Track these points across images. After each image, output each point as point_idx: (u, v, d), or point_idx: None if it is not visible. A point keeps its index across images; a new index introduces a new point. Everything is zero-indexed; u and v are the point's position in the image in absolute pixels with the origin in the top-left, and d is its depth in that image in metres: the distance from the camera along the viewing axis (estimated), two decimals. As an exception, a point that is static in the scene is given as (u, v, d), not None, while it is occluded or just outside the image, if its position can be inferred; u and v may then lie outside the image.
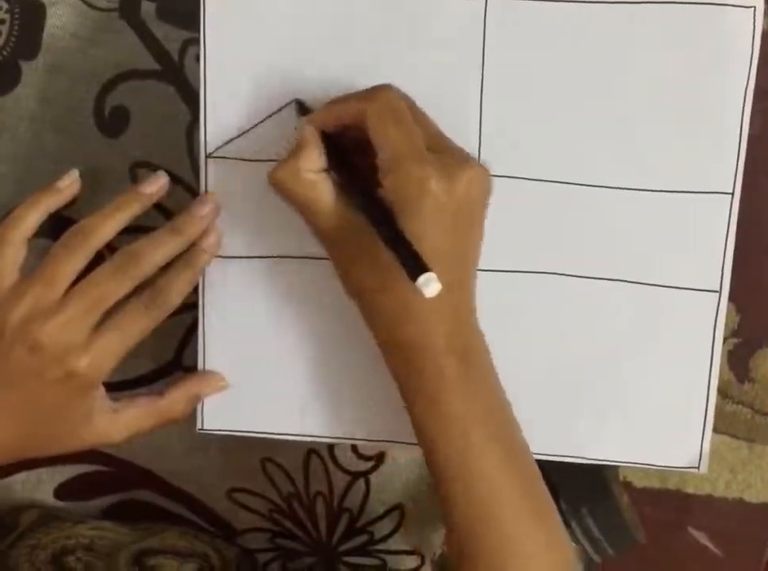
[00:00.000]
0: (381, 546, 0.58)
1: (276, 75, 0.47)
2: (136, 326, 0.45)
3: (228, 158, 0.47)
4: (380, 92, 0.42)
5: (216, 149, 0.47)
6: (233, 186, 0.48)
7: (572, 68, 0.46)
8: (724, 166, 0.46)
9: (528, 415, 0.45)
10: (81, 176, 0.49)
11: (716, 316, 0.48)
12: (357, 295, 0.45)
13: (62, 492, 0.57)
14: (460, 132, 0.45)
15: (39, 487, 0.56)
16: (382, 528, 0.57)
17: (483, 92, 0.46)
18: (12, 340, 0.43)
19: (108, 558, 0.51)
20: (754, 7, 0.44)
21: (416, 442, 0.45)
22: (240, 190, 0.48)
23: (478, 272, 0.46)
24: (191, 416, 0.50)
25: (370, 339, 0.45)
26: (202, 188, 0.48)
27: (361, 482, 0.56)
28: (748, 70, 0.45)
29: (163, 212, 0.51)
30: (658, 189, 0.46)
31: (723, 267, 0.47)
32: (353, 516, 0.57)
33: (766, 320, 0.52)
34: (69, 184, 0.48)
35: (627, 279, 0.47)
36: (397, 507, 0.57)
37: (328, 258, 0.46)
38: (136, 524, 0.55)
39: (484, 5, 0.45)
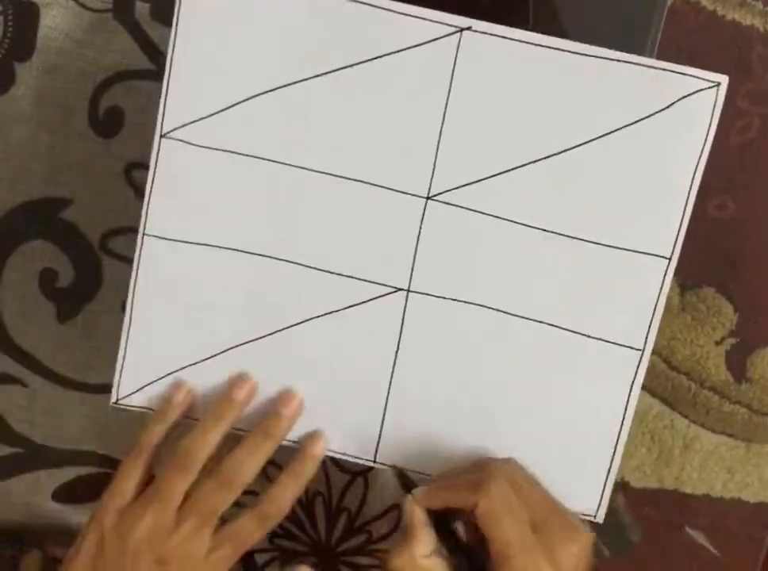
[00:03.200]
0: (380, 546, 0.58)
1: (241, 68, 0.46)
2: (251, 538, 0.47)
3: (183, 141, 0.47)
4: (493, 486, 0.43)
5: (173, 130, 0.47)
6: (184, 170, 0.47)
7: (532, 111, 0.46)
8: (667, 230, 0.46)
9: (440, 438, 0.45)
10: (76, 176, 0.49)
11: (636, 373, 0.48)
12: None
13: (60, 494, 0.57)
14: (415, 160, 0.46)
15: (37, 489, 0.56)
16: (381, 527, 0.57)
17: (444, 122, 0.46)
18: (137, 555, 0.45)
19: None
20: (719, 83, 0.45)
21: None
22: (191, 175, 0.47)
23: (410, 293, 0.47)
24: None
25: None
26: (152, 166, 0.47)
27: (359, 481, 0.56)
28: (704, 141, 0.45)
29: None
30: (598, 242, 0.47)
31: (650, 327, 0.47)
32: (351, 516, 0.57)
33: (764, 321, 0.53)
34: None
35: (554, 323, 0.48)
36: (396, 507, 0.57)
37: (270, 256, 0.47)
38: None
39: (458, 38, 0.45)
